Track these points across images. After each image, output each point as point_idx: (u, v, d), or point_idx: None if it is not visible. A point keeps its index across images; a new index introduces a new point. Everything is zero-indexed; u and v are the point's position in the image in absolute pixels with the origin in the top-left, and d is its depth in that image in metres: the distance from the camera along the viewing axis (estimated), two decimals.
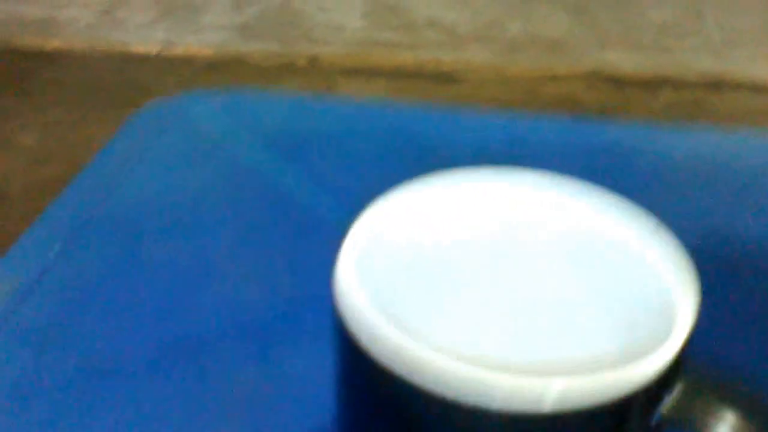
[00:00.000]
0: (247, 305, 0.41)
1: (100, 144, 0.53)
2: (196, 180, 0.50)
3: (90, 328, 0.40)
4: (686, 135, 0.54)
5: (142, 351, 0.38)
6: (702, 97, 1.33)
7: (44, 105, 1.49)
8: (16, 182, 1.29)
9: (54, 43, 1.65)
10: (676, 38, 1.46)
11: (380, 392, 0.24)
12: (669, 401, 0.23)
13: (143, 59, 1.58)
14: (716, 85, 1.36)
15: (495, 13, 1.59)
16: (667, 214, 0.28)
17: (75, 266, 0.43)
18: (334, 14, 1.64)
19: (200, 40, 1.61)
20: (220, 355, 0.38)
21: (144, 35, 1.63)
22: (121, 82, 1.51)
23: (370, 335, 0.23)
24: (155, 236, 0.46)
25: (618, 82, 1.37)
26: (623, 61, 1.43)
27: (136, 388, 0.37)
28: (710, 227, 0.44)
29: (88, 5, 1.70)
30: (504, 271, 0.27)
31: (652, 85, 1.36)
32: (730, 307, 0.39)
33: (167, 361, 0.38)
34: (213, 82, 1.47)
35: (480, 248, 0.27)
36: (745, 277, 0.41)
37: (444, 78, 1.45)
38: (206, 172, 0.51)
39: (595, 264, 0.27)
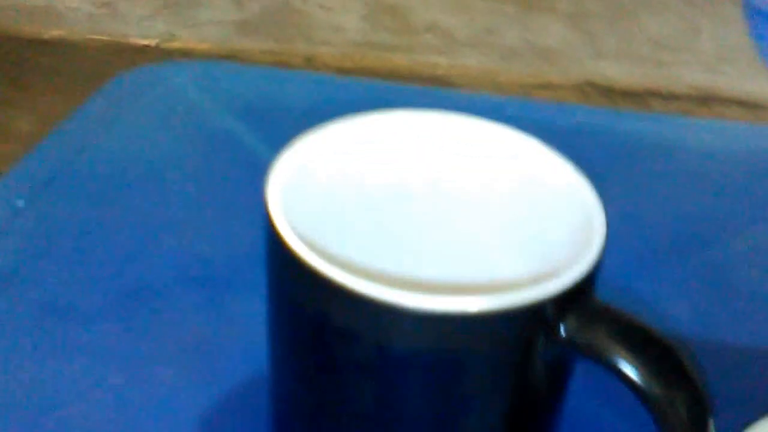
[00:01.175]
0: (203, 257, 0.43)
1: None
2: (165, 142, 0.52)
3: (50, 274, 0.41)
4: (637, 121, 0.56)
5: (99, 296, 0.40)
6: (690, 110, 1.35)
7: (41, 93, 1.50)
8: None
9: (53, 32, 1.66)
10: (671, 51, 1.47)
11: (304, 299, 0.25)
12: (573, 323, 0.24)
13: (141, 51, 1.60)
14: (705, 99, 1.37)
15: (493, 20, 1.61)
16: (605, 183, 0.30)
17: (40, 217, 0.45)
18: (334, 15, 1.66)
19: (199, 34, 1.63)
20: (174, 302, 0.40)
21: (144, 27, 1.65)
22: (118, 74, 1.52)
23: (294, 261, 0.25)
24: (121, 192, 0.47)
25: (609, 92, 1.38)
26: (616, 72, 1.45)
27: (93, 331, 0.38)
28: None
29: None
30: (424, 202, 0.29)
31: (643, 96, 1.37)
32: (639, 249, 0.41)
33: (123, 306, 0.40)
34: None
35: (402, 180, 0.29)
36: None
37: (438, 82, 1.46)
38: (176, 134, 0.52)
39: (513, 195, 0.28)
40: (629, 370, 0.24)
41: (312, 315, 0.25)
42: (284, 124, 0.53)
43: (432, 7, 1.64)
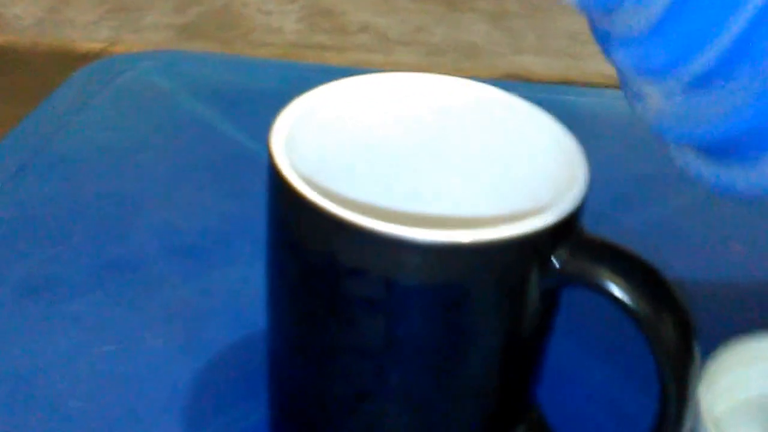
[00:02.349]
0: (181, 230, 0.42)
1: None
2: (139, 126, 0.51)
3: (31, 253, 0.40)
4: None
5: (83, 271, 0.39)
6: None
7: None
8: None
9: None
10: (584, 45, 1.50)
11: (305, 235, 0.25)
12: (565, 253, 0.25)
13: (86, 55, 1.57)
14: (617, 86, 1.41)
15: (422, 20, 1.61)
16: None
17: (16, 200, 0.44)
18: (272, 18, 1.65)
19: (142, 39, 1.60)
20: (156, 273, 0.39)
21: (89, 33, 1.61)
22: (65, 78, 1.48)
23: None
24: (96, 173, 0.46)
25: (529, 83, 1.40)
26: (535, 64, 1.47)
27: (79, 303, 0.37)
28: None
29: (36, 2, 1.68)
30: (419, 152, 0.29)
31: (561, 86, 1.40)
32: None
33: (107, 280, 0.39)
34: None
35: (399, 133, 0.29)
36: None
37: None
38: (146, 119, 0.51)
39: (502, 146, 0.28)
40: (619, 292, 0.24)
41: (319, 255, 0.25)
42: (248, 106, 0.52)
43: (365, 9, 1.64)
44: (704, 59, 0.22)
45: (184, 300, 0.38)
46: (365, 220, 0.23)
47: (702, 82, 0.23)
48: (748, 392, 0.30)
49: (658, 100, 0.25)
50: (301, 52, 1.57)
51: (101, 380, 0.33)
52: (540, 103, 0.29)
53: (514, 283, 0.24)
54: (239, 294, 0.37)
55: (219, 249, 0.41)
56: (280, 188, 0.25)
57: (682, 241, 0.42)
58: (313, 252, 0.25)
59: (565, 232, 0.24)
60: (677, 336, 0.24)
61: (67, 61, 1.57)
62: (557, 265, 0.24)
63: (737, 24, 0.21)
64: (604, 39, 0.26)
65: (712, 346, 0.30)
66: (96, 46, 1.59)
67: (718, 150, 0.24)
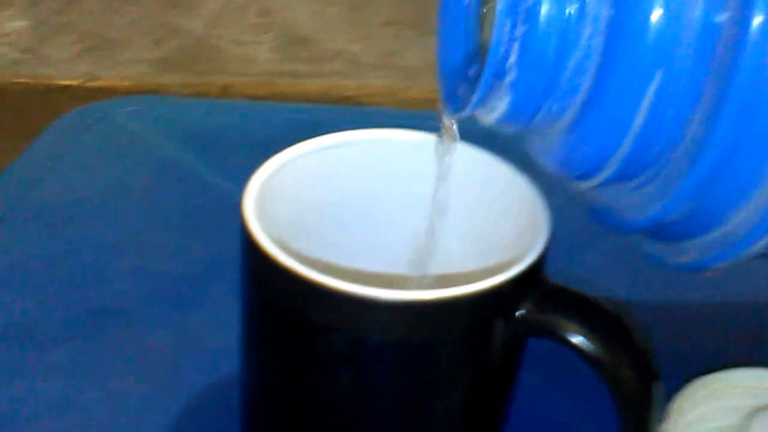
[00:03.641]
0: (160, 275, 0.43)
1: None
2: (115, 172, 0.51)
3: (9, 302, 0.40)
4: None
5: (62, 319, 0.39)
6: None
7: None
8: None
9: None
10: None
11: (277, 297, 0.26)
12: (527, 305, 0.25)
13: (64, 90, 1.56)
14: None
15: (394, 44, 1.62)
16: None
17: None
18: (246, 48, 1.66)
19: (120, 73, 1.60)
20: (136, 318, 0.40)
21: (67, 69, 1.61)
22: (45, 115, 1.48)
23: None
24: (74, 220, 0.47)
25: None
26: None
27: (59, 351, 0.37)
28: None
29: (13, 42, 1.67)
30: (386, 211, 0.30)
31: None
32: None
33: (86, 327, 0.39)
34: None
35: (365, 193, 0.30)
36: None
37: (348, 102, 1.47)
38: (123, 164, 0.52)
39: (468, 201, 0.29)
40: (579, 341, 0.25)
41: (289, 313, 0.25)
42: (222, 147, 0.53)
43: (337, 36, 1.65)
44: (605, 171, 0.25)
45: (163, 344, 0.38)
46: (333, 281, 0.24)
47: (611, 183, 0.25)
48: (714, 424, 0.31)
49: (586, 195, 0.27)
50: (274, 80, 1.57)
51: (84, 427, 0.34)
52: None
53: (479, 336, 0.25)
54: (215, 337, 0.38)
55: (195, 292, 0.41)
56: (251, 250, 0.26)
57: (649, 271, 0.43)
58: (285, 310, 0.26)
59: (529, 284, 0.25)
60: (636, 380, 0.24)
61: (46, 96, 1.57)
62: (521, 317, 0.25)
63: (628, 139, 0.24)
64: (528, 148, 0.28)
65: (678, 383, 0.31)
66: (74, 82, 1.59)
67: (646, 234, 0.26)
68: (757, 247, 0.23)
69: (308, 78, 1.56)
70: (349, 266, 0.30)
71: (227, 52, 1.63)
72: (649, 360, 0.25)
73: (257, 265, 0.26)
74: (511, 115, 0.25)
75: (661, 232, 0.25)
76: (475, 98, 0.24)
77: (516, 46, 0.24)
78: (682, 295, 0.41)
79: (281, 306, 0.25)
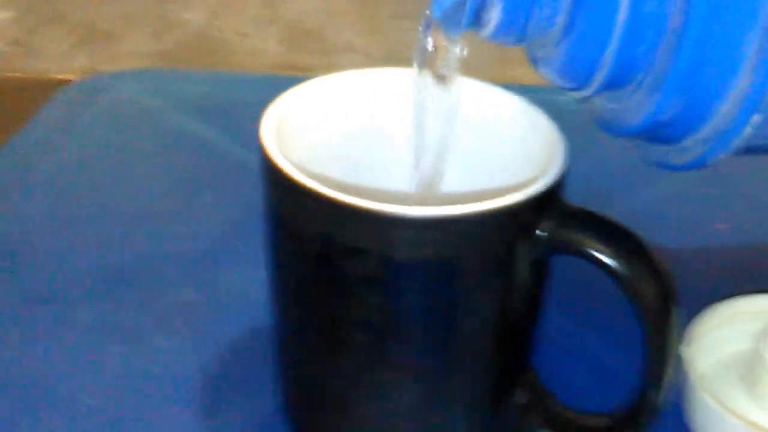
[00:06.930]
0: (179, 237, 0.44)
1: None
2: (123, 142, 0.53)
3: (29, 265, 0.42)
4: None
5: (81, 281, 0.41)
6: None
7: None
8: None
9: None
10: None
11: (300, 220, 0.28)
12: (549, 223, 0.27)
13: (62, 84, 1.59)
14: None
15: (403, 37, 1.65)
16: None
17: (14, 216, 0.46)
18: (250, 40, 1.68)
19: (120, 67, 1.62)
20: (158, 277, 0.41)
21: (63, 63, 1.64)
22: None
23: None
24: (91, 187, 0.49)
25: (517, 84, 1.44)
26: (524, 75, 1.50)
27: (85, 311, 0.39)
28: None
29: (3, 37, 1.70)
30: (408, 139, 0.32)
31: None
32: None
33: (107, 288, 0.41)
34: None
35: (384, 123, 0.32)
36: None
37: None
38: (133, 135, 0.54)
39: (483, 132, 0.32)
40: (603, 257, 0.27)
41: (316, 237, 0.27)
42: (234, 118, 0.55)
43: (347, 29, 1.67)
44: (599, 76, 0.28)
45: (188, 301, 0.40)
46: (358, 201, 0.26)
47: (606, 88, 0.29)
48: (729, 349, 0.33)
49: (589, 103, 0.30)
50: (282, 72, 1.60)
51: (112, 379, 0.36)
52: None
53: (503, 253, 0.27)
54: (242, 293, 0.40)
55: (218, 252, 0.43)
56: (272, 175, 0.27)
57: (670, 222, 0.45)
58: (309, 235, 0.27)
59: (549, 203, 0.27)
60: (657, 296, 0.26)
61: (43, 91, 1.58)
62: (544, 235, 0.27)
63: (615, 38, 0.27)
64: (532, 60, 0.31)
65: (696, 310, 0.33)
66: (72, 76, 1.62)
67: (647, 137, 0.29)
68: (746, 134, 0.27)
69: (317, 71, 1.57)
70: (371, 188, 0.32)
71: (231, 44, 1.66)
72: (669, 278, 0.27)
73: (277, 187, 0.27)
74: (504, 24, 0.28)
75: (662, 133, 0.28)
76: (468, 8, 0.27)
77: None
78: (704, 237, 0.44)
79: (304, 229, 0.27)
